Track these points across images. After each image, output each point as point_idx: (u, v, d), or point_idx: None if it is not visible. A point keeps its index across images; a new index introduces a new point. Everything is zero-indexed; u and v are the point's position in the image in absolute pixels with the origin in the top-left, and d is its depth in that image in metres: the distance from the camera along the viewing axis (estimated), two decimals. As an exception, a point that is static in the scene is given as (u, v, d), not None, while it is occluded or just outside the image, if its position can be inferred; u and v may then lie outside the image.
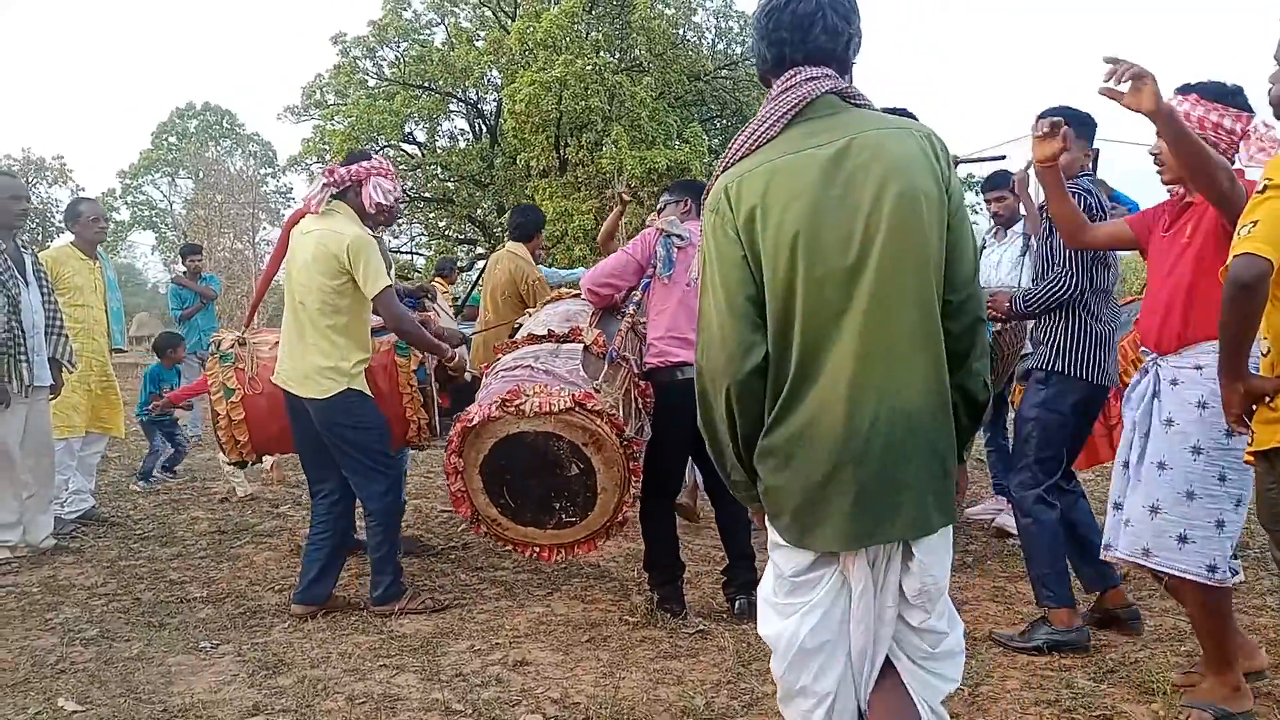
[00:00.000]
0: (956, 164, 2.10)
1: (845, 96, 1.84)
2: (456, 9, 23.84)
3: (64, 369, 4.89)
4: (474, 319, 6.87)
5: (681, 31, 23.21)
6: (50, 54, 76.81)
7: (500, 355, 3.98)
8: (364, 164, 3.95)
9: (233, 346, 4.21)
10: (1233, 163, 2.70)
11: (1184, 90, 2.80)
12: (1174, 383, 2.80)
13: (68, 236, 5.70)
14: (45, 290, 4.80)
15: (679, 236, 3.79)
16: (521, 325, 4.35)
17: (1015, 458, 3.56)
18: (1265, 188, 2.13)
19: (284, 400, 3.90)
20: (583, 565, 4.57)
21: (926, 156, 1.78)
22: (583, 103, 19.68)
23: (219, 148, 41.78)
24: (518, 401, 3.43)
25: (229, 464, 5.13)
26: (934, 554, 1.82)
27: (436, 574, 4.54)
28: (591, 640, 3.60)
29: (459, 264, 16.13)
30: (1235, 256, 2.10)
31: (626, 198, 5.84)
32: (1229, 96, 2.75)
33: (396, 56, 23.07)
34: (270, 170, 38.68)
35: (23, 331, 4.54)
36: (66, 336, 4.88)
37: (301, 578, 3.99)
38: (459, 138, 25.05)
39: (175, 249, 37.52)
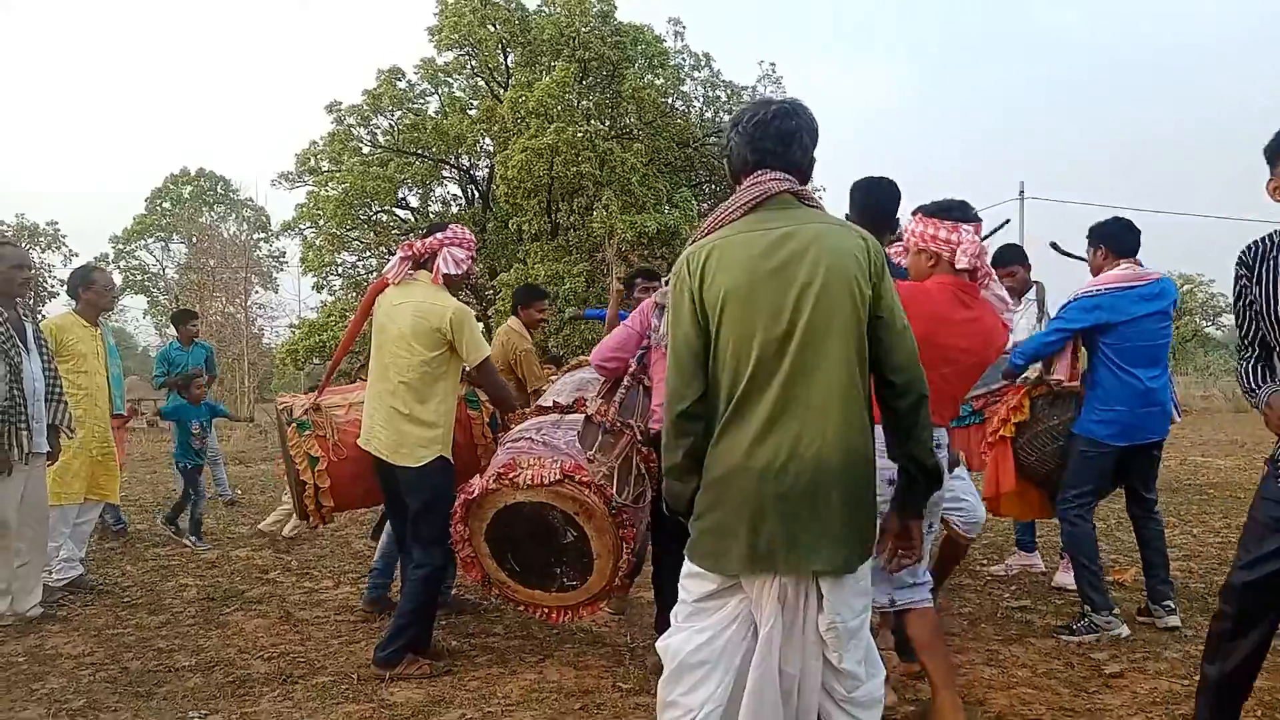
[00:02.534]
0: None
1: (800, 197, 2.17)
2: (450, 79, 24.25)
3: (62, 435, 4.89)
4: None
5: (671, 100, 23.66)
6: (46, 122, 77.74)
7: (512, 425, 4.18)
8: (439, 235, 4.07)
9: (307, 414, 4.26)
10: (954, 265, 3.08)
11: (915, 211, 3.21)
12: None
13: (61, 301, 5.76)
14: (45, 357, 4.83)
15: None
16: (541, 393, 4.60)
17: None
18: None
19: (369, 461, 4.00)
20: (575, 631, 4.54)
21: (861, 253, 2.07)
22: (574, 169, 19.97)
23: (213, 213, 42.10)
24: (512, 474, 3.60)
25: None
26: (842, 595, 2.00)
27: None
28: (585, 708, 3.57)
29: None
30: None
31: (620, 286, 6.04)
32: (944, 212, 3.14)
33: (391, 124, 23.39)
34: (263, 235, 38.89)
35: (24, 399, 4.56)
36: (66, 403, 4.89)
37: (387, 631, 4.04)
38: (451, 203, 25.31)
39: (167, 313, 37.63)
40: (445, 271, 4.01)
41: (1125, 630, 4.23)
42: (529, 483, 3.59)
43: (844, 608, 2.00)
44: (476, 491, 3.67)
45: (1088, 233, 4.57)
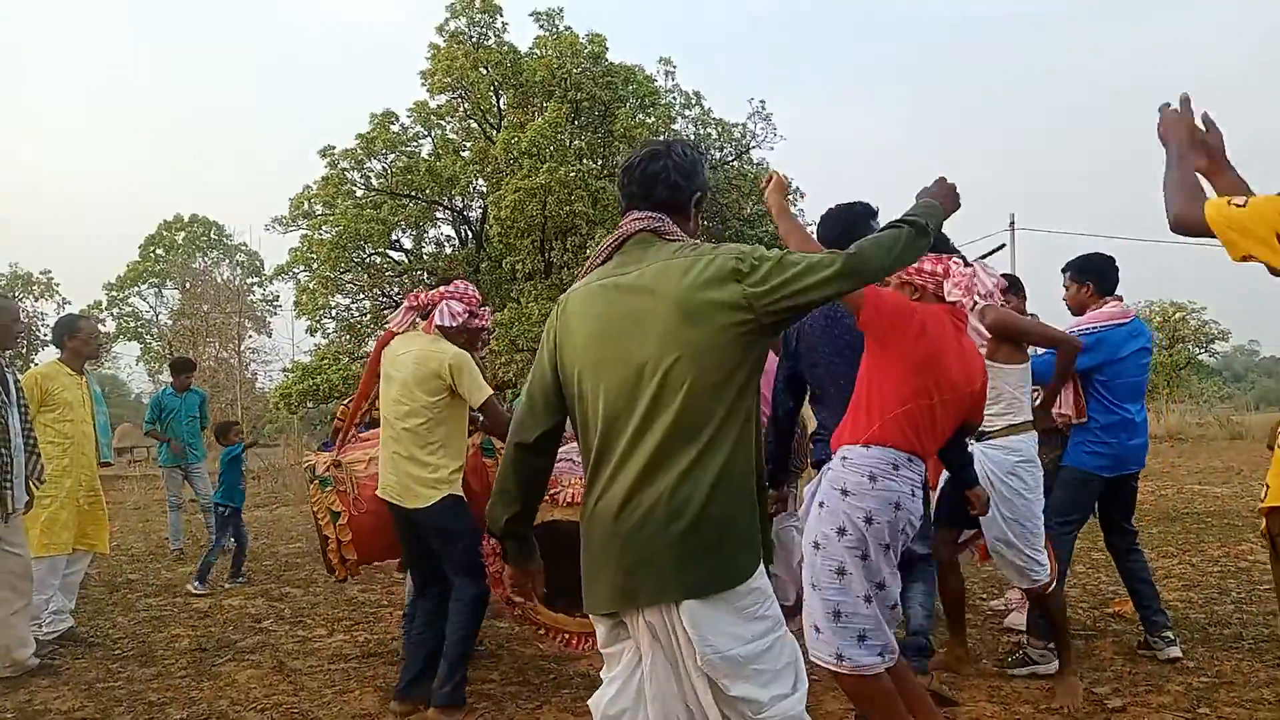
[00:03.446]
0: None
1: (659, 234, 2.19)
2: (443, 121, 24.44)
3: (32, 485, 4.81)
4: None
5: (662, 138, 23.84)
6: (38, 171, 78.13)
7: None
8: (443, 289, 4.21)
9: (328, 470, 4.34)
10: (940, 298, 3.07)
11: None
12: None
13: (52, 351, 5.74)
14: (23, 410, 4.78)
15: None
16: None
17: None
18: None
19: (389, 513, 4.06)
20: (572, 675, 4.49)
21: (710, 269, 2.05)
22: (567, 208, 20.07)
23: (206, 258, 42.21)
24: (553, 491, 3.71)
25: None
26: (710, 623, 2.00)
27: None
28: (582, 754, 3.52)
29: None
30: (1209, 217, 2.07)
31: None
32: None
33: (384, 167, 23.51)
34: (257, 279, 38.97)
35: (10, 455, 4.52)
36: (38, 454, 4.85)
37: (403, 675, 4.12)
38: (445, 244, 25.39)
39: (160, 359, 37.58)
40: (439, 323, 4.10)
41: (1056, 664, 4.08)
42: (569, 500, 3.73)
43: (720, 638, 1.99)
44: None
45: (1069, 268, 4.59)
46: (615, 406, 2.07)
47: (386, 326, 4.29)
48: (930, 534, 3.85)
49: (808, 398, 3.84)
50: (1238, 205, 2.02)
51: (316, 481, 4.30)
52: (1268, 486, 2.11)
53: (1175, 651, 4.31)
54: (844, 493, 2.90)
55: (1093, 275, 4.48)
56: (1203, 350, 39.45)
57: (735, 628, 2.02)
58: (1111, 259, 4.52)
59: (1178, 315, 37.14)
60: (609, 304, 2.14)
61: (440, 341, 4.06)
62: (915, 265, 3.05)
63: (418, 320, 4.19)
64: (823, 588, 2.89)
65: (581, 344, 2.15)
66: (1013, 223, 25.66)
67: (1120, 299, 4.45)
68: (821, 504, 2.97)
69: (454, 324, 4.11)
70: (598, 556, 2.11)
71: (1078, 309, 4.49)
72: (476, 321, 4.26)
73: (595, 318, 2.14)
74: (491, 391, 4.07)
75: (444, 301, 4.13)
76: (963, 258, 3.16)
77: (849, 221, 3.53)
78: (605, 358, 2.10)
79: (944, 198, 2.39)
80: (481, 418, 4.11)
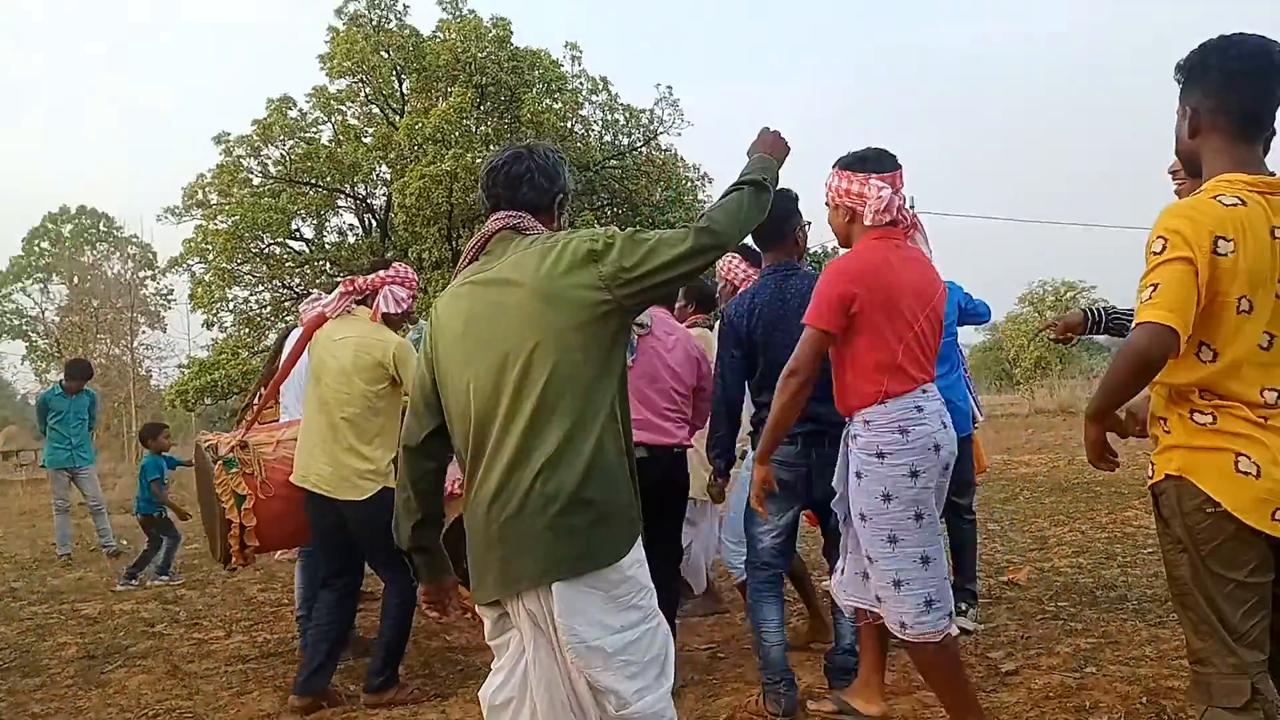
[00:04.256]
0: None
1: (519, 230, 2.23)
2: (343, 107, 23.80)
3: None
4: None
5: (570, 124, 23.68)
6: (-88, 160, 73.67)
7: None
8: (382, 272, 4.11)
9: (233, 451, 4.13)
10: (857, 219, 3.02)
11: (834, 164, 3.10)
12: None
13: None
14: None
15: (640, 325, 3.86)
16: None
17: None
18: (1163, 248, 2.02)
19: (299, 500, 3.96)
20: (479, 666, 4.43)
21: (564, 254, 2.08)
22: (474, 195, 19.75)
23: (95, 251, 40.38)
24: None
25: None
26: (578, 611, 2.01)
27: (325, 685, 4.33)
28: (487, 744, 3.47)
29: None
30: (1140, 324, 2.00)
31: None
32: (858, 163, 3.04)
33: (282, 154, 22.78)
34: (149, 273, 37.46)
35: None
36: None
37: (302, 669, 3.98)
38: (348, 233, 24.78)
39: (48, 358, 35.87)
40: (385, 310, 4.05)
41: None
42: None
43: (586, 627, 2.00)
44: None
45: None
46: (484, 399, 2.10)
47: (301, 311, 4.16)
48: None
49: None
50: (1153, 290, 2.00)
51: (220, 462, 4.10)
52: (1153, 464, 2.20)
53: (967, 623, 4.35)
54: (880, 456, 2.89)
55: None
56: (1094, 327, 41.03)
57: (605, 616, 2.03)
58: None
59: (1069, 294, 38.68)
60: (473, 301, 2.17)
61: (383, 329, 4.00)
62: (845, 187, 3.02)
63: (353, 305, 4.08)
64: (877, 559, 2.93)
65: (450, 344, 2.19)
66: (912, 205, 26.29)
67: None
68: (859, 474, 2.95)
69: (398, 310, 4.07)
70: (480, 547, 2.12)
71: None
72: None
73: (461, 316, 2.18)
74: None
75: (387, 287, 4.06)
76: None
77: (789, 204, 3.58)
78: (472, 353, 2.13)
79: (772, 148, 2.39)
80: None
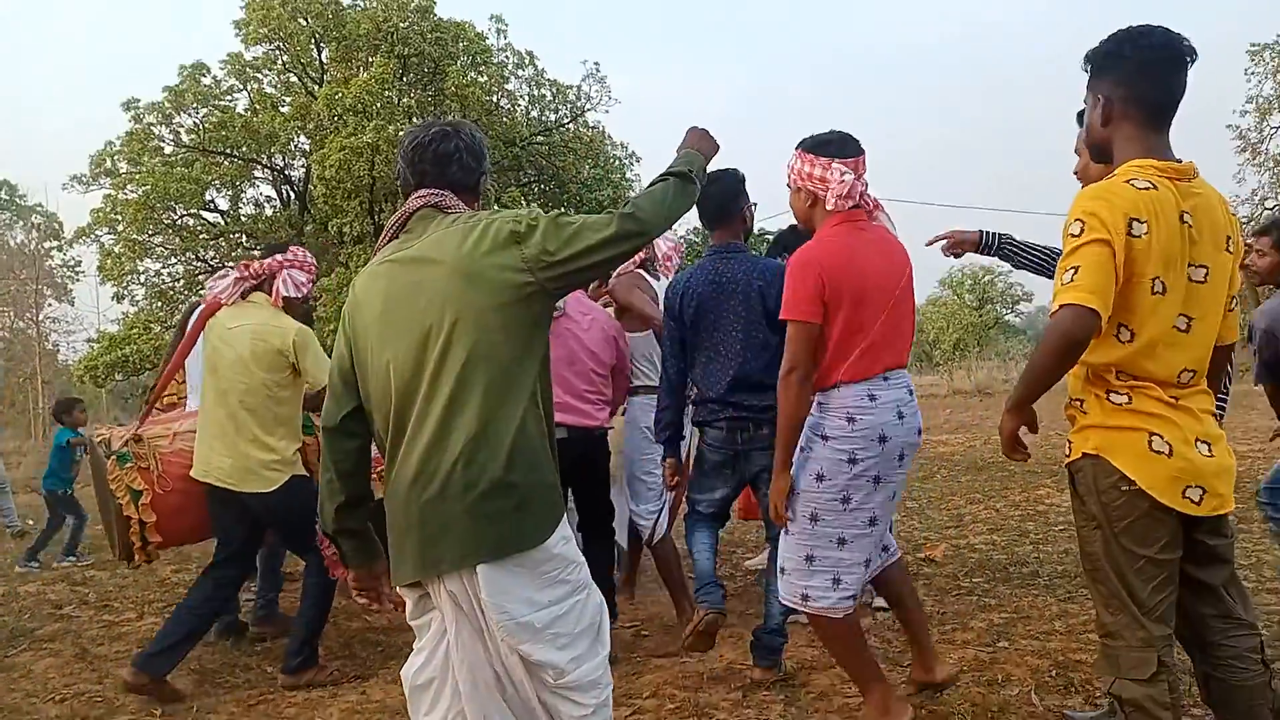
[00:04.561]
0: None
1: (440, 208, 2.21)
2: (260, 74, 23.08)
3: None
4: None
5: (495, 99, 23.37)
6: None
7: None
8: (279, 256, 3.97)
9: (127, 445, 3.94)
10: (819, 202, 2.97)
11: (797, 146, 3.05)
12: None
13: None
14: None
15: (555, 307, 3.80)
16: None
17: None
18: (1081, 230, 2.06)
19: (198, 493, 3.86)
20: (401, 646, 4.38)
21: (486, 234, 2.07)
22: (397, 168, 19.39)
23: (-3, 220, 38.57)
24: (380, 469, 3.62)
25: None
26: (504, 590, 2.00)
27: (240, 668, 4.24)
28: (410, 725, 3.44)
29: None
30: (1063, 306, 2.04)
31: None
32: (819, 147, 2.98)
33: (196, 122, 22.03)
34: (55, 243, 35.92)
35: None
36: None
37: (154, 643, 3.79)
38: (265, 205, 24.13)
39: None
40: (285, 294, 3.93)
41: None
42: None
43: (513, 604, 2.00)
44: None
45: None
46: (404, 377, 2.07)
47: (205, 294, 4.05)
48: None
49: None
50: (1074, 272, 2.04)
51: (114, 458, 3.95)
52: (1070, 443, 2.27)
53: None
54: (824, 438, 2.90)
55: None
56: (1009, 311, 42.35)
57: (531, 593, 2.03)
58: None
59: (987, 278, 39.68)
60: (392, 280, 2.14)
61: (281, 316, 3.89)
62: (807, 170, 2.98)
63: (248, 291, 3.95)
64: (795, 533, 2.95)
65: (369, 322, 2.15)
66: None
67: None
68: (802, 448, 2.95)
69: (299, 294, 3.96)
70: (400, 528, 2.10)
71: None
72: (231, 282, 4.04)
73: (380, 295, 2.15)
74: None
75: (285, 271, 3.94)
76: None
77: (735, 184, 3.59)
78: (391, 332, 2.10)
79: (701, 144, 2.41)
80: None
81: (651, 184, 2.24)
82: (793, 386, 2.86)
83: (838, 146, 2.98)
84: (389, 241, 2.25)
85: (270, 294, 3.94)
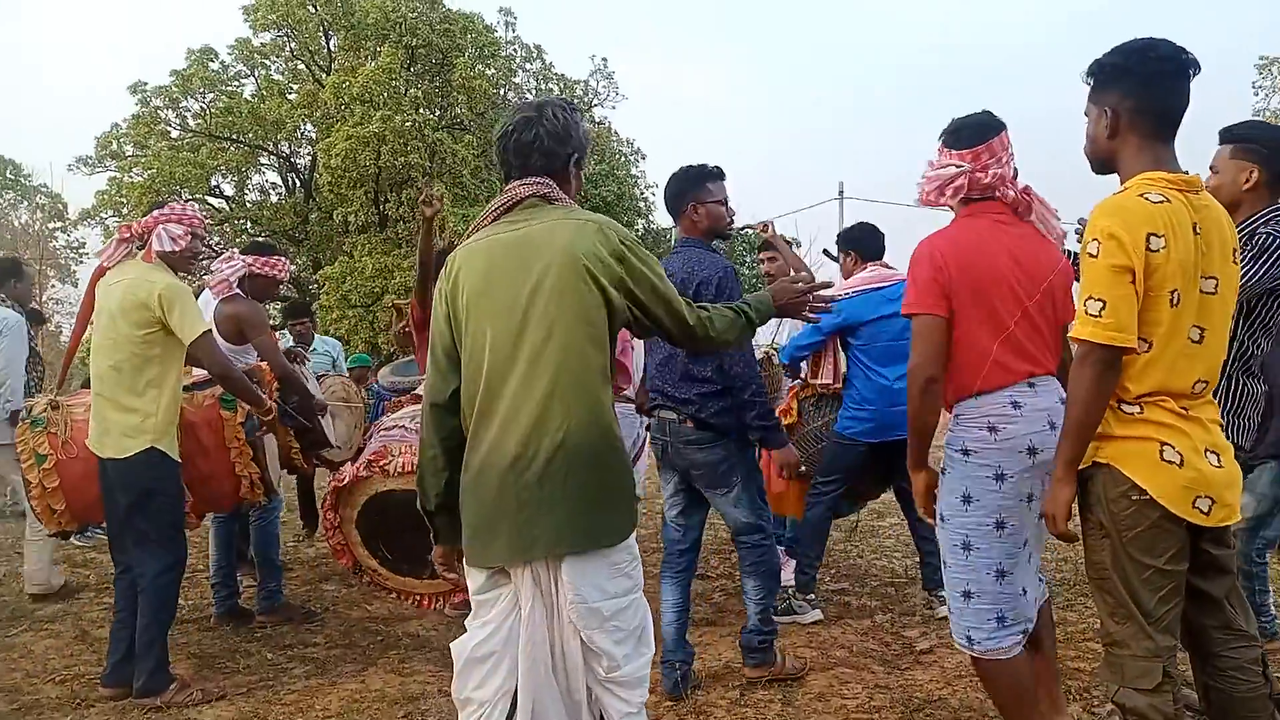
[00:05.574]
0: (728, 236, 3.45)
1: (547, 199, 2.25)
2: (268, 61, 23.11)
3: None
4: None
5: (503, 91, 23.39)
6: None
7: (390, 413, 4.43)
8: (156, 212, 3.82)
9: (44, 410, 3.90)
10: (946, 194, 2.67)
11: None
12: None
13: None
14: None
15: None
16: None
17: None
18: (1099, 251, 2.08)
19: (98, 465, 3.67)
20: (401, 636, 4.40)
21: (596, 237, 2.15)
22: (403, 158, 19.44)
23: (2, 200, 38.55)
24: (383, 462, 3.75)
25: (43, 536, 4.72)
26: (584, 575, 2.08)
27: (241, 654, 4.25)
28: (409, 715, 3.46)
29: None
30: (1096, 346, 2.06)
31: (429, 212, 4.70)
32: (947, 135, 2.68)
33: (202, 107, 22.06)
34: (60, 224, 35.92)
35: None
36: None
37: (108, 658, 3.74)
38: (270, 192, 24.15)
39: (-54, 308, 34.16)
40: (158, 249, 3.75)
41: (817, 614, 4.41)
42: (400, 470, 3.77)
43: (588, 589, 2.08)
44: (347, 479, 3.84)
45: (837, 239, 4.76)
46: (500, 353, 2.12)
47: (213, 270, 4.07)
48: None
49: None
50: (1102, 307, 2.07)
51: (29, 421, 3.89)
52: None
53: (816, 616, 4.46)
54: (965, 453, 2.59)
55: (853, 244, 4.62)
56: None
57: (603, 581, 2.11)
58: (873, 228, 4.64)
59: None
60: (494, 258, 2.18)
61: (154, 270, 3.71)
62: (933, 160, 2.69)
63: (135, 251, 3.81)
64: (950, 565, 2.63)
65: (469, 297, 2.18)
66: (841, 191, 26.64)
67: (886, 265, 4.54)
68: (943, 470, 2.66)
69: (175, 248, 3.76)
70: (492, 508, 2.11)
71: (846, 277, 4.62)
72: (241, 268, 4.11)
73: (481, 272, 2.18)
74: (210, 327, 3.76)
75: (159, 226, 3.76)
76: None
77: (683, 183, 3.62)
78: (491, 308, 2.15)
79: (785, 300, 2.56)
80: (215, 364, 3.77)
81: (734, 308, 2.44)
82: (915, 385, 2.59)
83: (951, 136, 2.68)
84: (489, 224, 2.28)
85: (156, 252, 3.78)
